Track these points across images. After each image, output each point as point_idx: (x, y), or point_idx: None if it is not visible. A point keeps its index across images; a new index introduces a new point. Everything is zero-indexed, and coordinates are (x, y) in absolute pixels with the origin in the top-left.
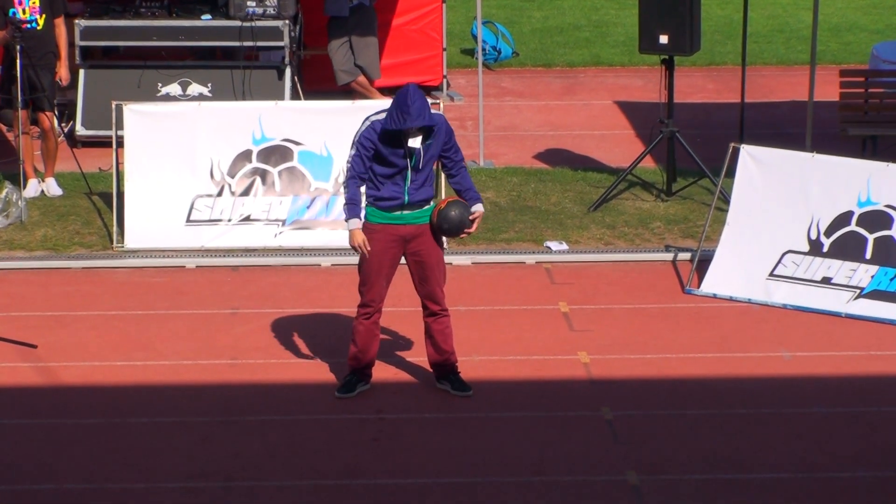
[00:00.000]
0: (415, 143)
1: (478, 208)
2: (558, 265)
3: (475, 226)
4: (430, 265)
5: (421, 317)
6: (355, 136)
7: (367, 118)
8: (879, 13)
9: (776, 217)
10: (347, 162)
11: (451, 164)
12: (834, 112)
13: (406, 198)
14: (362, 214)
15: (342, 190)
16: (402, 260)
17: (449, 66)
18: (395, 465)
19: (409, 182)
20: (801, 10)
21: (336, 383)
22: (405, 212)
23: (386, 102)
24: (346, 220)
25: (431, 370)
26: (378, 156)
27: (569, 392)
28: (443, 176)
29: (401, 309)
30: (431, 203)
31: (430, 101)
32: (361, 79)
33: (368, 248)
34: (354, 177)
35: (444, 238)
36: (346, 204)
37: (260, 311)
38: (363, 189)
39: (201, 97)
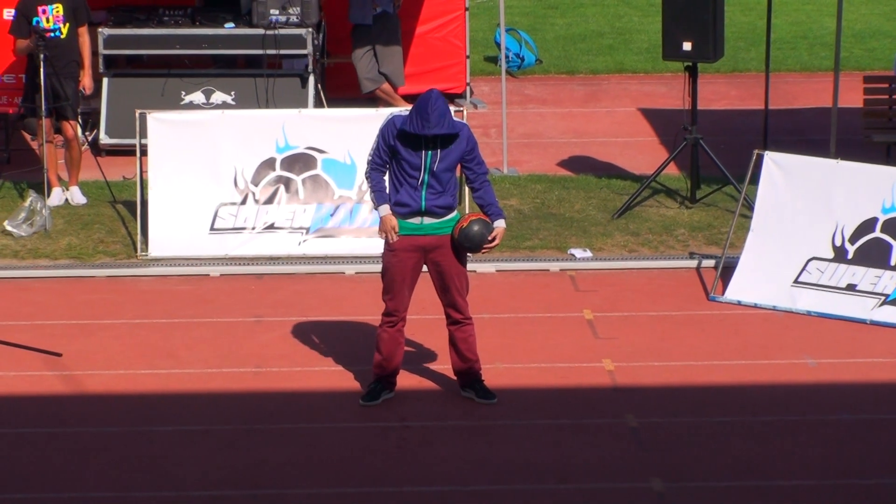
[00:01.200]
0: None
1: (499, 224)
2: (582, 272)
3: (496, 242)
4: (450, 275)
5: (445, 325)
6: (379, 129)
7: (390, 113)
8: None
9: (800, 224)
10: (369, 155)
11: (474, 177)
12: (858, 118)
13: (423, 204)
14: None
15: (366, 186)
16: (425, 268)
17: (472, 74)
18: (420, 473)
19: (425, 187)
20: (825, 16)
21: (360, 391)
22: (424, 220)
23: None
24: (376, 208)
25: (455, 378)
26: (395, 154)
27: (593, 399)
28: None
29: (425, 317)
30: (455, 213)
31: (453, 108)
32: (386, 86)
33: (397, 236)
34: (376, 167)
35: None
36: (372, 191)
37: (284, 319)
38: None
39: (225, 105)
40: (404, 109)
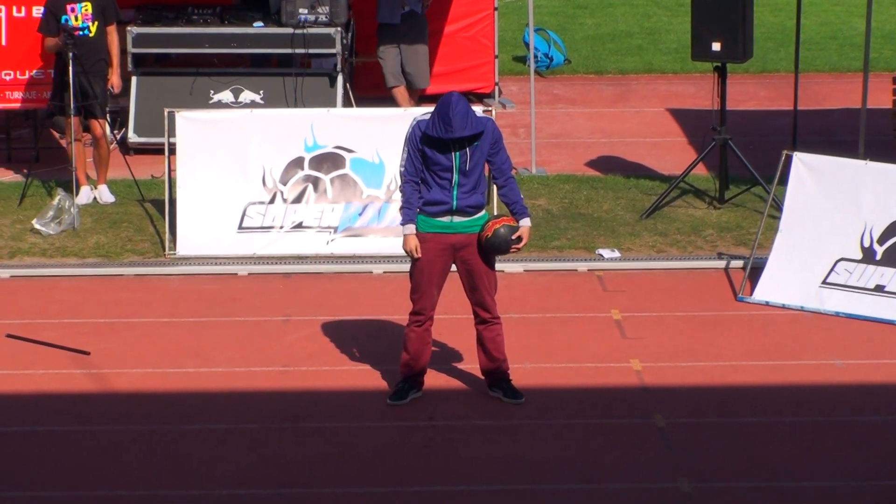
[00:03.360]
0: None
1: (524, 223)
2: (610, 273)
3: (523, 243)
4: (479, 274)
5: (472, 324)
6: (405, 138)
7: (414, 118)
8: None
9: (829, 224)
10: (401, 165)
11: (498, 173)
12: (887, 119)
13: (454, 203)
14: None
15: (398, 195)
16: (454, 267)
17: (501, 74)
18: (447, 473)
19: (457, 187)
20: (854, 17)
21: (388, 390)
22: (454, 219)
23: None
24: (402, 224)
25: (483, 378)
26: (424, 157)
27: (621, 400)
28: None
29: (452, 316)
30: (483, 212)
31: (481, 108)
32: (402, 89)
33: (419, 255)
34: (409, 180)
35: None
36: (402, 207)
37: (312, 318)
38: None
39: (253, 104)
40: (426, 112)
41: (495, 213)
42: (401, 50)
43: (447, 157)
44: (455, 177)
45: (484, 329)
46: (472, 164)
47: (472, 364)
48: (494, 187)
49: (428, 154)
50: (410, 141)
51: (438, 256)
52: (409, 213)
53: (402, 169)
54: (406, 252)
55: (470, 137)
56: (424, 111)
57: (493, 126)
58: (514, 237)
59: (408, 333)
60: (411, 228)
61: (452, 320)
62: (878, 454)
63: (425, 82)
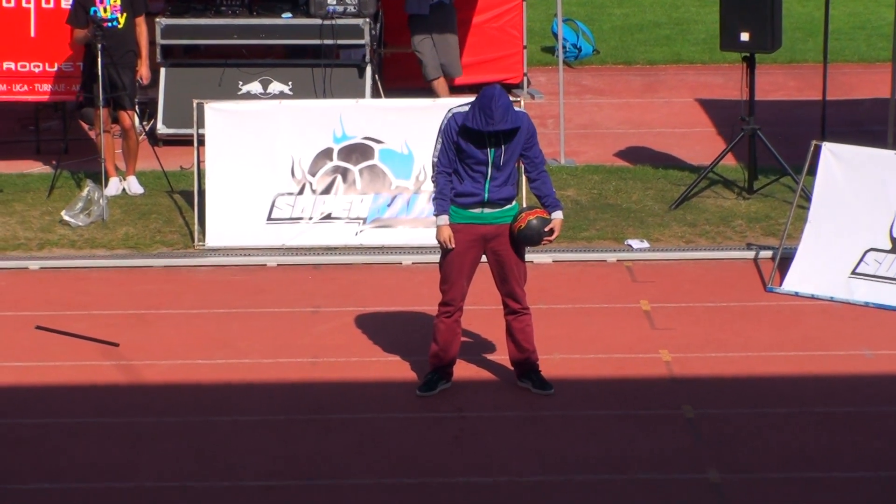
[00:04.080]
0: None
1: (556, 216)
2: (639, 263)
3: (555, 235)
4: (509, 265)
5: (501, 315)
6: (439, 129)
7: (449, 110)
8: None
9: (858, 215)
10: (434, 156)
11: (531, 168)
12: None
13: (486, 195)
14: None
15: (427, 185)
16: (484, 258)
17: (529, 64)
18: (477, 464)
19: (489, 179)
20: (883, 6)
21: (417, 381)
22: (485, 210)
23: (457, 100)
24: (435, 216)
25: (512, 368)
26: (459, 149)
27: (650, 390)
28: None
29: (482, 307)
30: (514, 203)
31: (511, 99)
32: (443, 81)
33: (452, 246)
34: (442, 171)
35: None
36: (434, 198)
37: (341, 309)
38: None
39: (282, 95)
40: (462, 105)
41: (525, 206)
42: (434, 41)
43: (482, 151)
44: (489, 170)
45: (513, 320)
46: (507, 159)
47: (501, 355)
48: (524, 178)
49: (462, 146)
50: (445, 133)
51: (469, 247)
52: (442, 203)
53: (436, 160)
54: (439, 242)
55: (507, 132)
56: (460, 103)
57: (528, 121)
58: (546, 229)
59: (437, 324)
60: (445, 219)
61: (482, 311)
62: None
63: (458, 72)
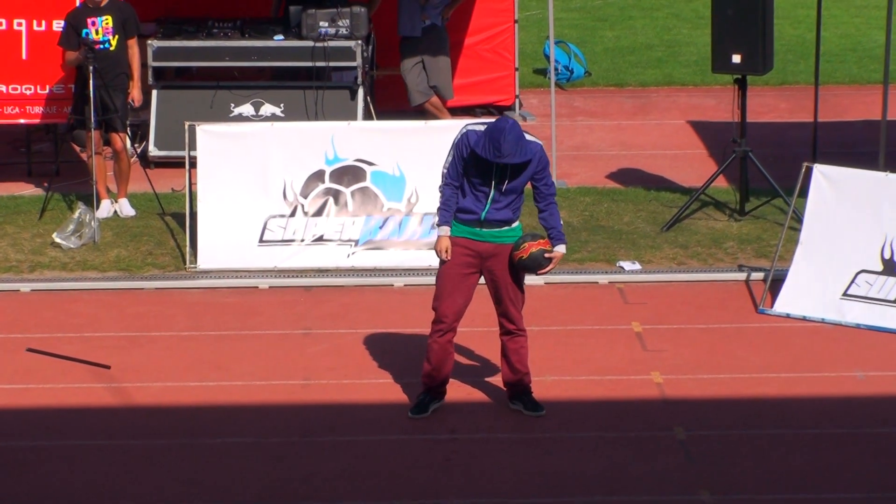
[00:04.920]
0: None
1: (559, 249)
2: (631, 285)
3: (551, 266)
4: (504, 287)
5: (496, 337)
6: (454, 141)
7: (465, 125)
8: None
9: (849, 236)
10: (444, 167)
11: (541, 197)
12: None
13: (483, 215)
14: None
15: (419, 208)
16: (482, 280)
17: (521, 86)
18: (469, 486)
19: (490, 201)
20: (874, 28)
21: (409, 403)
22: (483, 229)
23: (455, 122)
24: (437, 225)
25: (505, 389)
26: (466, 166)
27: (642, 412)
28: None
29: (476, 329)
30: (515, 225)
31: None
32: (435, 100)
33: (448, 257)
34: (449, 184)
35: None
36: (439, 208)
37: (333, 331)
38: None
39: (274, 117)
40: (478, 123)
41: (529, 232)
42: (424, 63)
43: (487, 174)
44: (491, 192)
45: (508, 340)
46: (511, 186)
47: (494, 377)
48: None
49: (470, 165)
50: (457, 147)
51: (465, 262)
52: (445, 214)
53: (445, 170)
54: (436, 252)
55: (516, 165)
56: (475, 122)
57: (540, 153)
58: (545, 257)
59: (430, 344)
60: (445, 230)
61: (476, 333)
62: None
63: (449, 94)
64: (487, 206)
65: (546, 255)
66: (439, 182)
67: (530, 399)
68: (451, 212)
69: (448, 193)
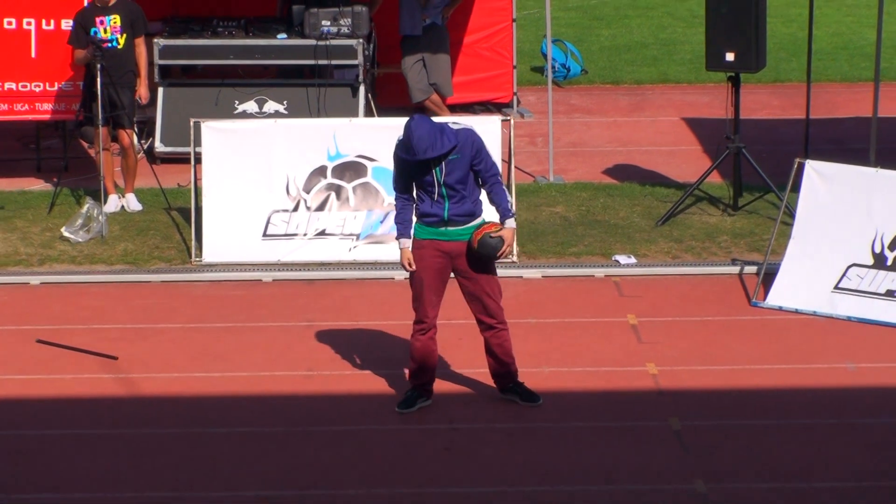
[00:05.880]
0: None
1: (508, 224)
2: (627, 278)
3: (506, 244)
4: (477, 281)
5: None
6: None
7: (398, 139)
8: None
9: (841, 231)
10: (394, 182)
11: (483, 181)
12: None
13: (445, 214)
14: (411, 232)
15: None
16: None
17: (519, 84)
18: (467, 475)
19: (446, 199)
20: (865, 27)
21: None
22: (448, 228)
23: (453, 119)
24: (397, 239)
25: (494, 382)
26: (411, 173)
27: (637, 403)
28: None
29: (471, 322)
30: (479, 220)
31: (499, 118)
32: (435, 97)
33: (413, 268)
34: (398, 197)
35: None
36: (395, 222)
37: (334, 323)
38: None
39: (277, 114)
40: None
41: (484, 220)
42: (424, 61)
43: (428, 172)
44: (441, 189)
45: (491, 336)
46: (455, 178)
47: None
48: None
49: (412, 170)
50: (395, 158)
51: (435, 262)
52: (401, 227)
53: (393, 185)
54: (402, 265)
55: (437, 157)
56: (448, 121)
57: (470, 137)
58: (496, 237)
59: (413, 343)
60: (406, 242)
61: (470, 326)
62: (891, 456)
63: (449, 91)
64: (446, 204)
65: (492, 235)
66: None
67: (525, 389)
68: (406, 224)
69: (399, 206)
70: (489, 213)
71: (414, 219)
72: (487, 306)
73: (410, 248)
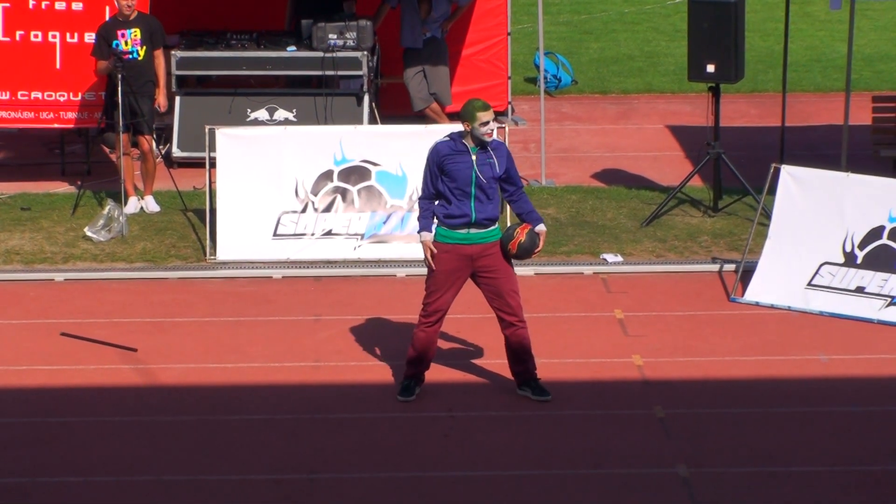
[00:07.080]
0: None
1: (540, 228)
2: (614, 275)
3: (540, 246)
4: (502, 279)
5: (490, 322)
6: (426, 159)
7: (434, 143)
8: None
9: (814, 231)
10: (423, 184)
11: (511, 190)
12: (867, 135)
13: (473, 215)
14: (433, 228)
15: (416, 196)
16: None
17: (513, 93)
18: (465, 459)
19: (474, 200)
20: (837, 41)
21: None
22: (472, 231)
23: (454, 127)
24: (419, 233)
25: (513, 377)
26: (444, 175)
27: (624, 392)
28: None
29: (471, 316)
30: (497, 225)
31: (495, 125)
32: (435, 105)
33: (434, 258)
34: (424, 197)
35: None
36: (419, 218)
37: (341, 317)
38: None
39: (287, 122)
40: (446, 132)
41: (508, 224)
42: (425, 72)
43: (465, 175)
44: (472, 190)
45: (511, 334)
46: (488, 178)
47: (488, 360)
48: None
49: (447, 171)
50: (429, 163)
51: (457, 267)
52: (423, 221)
53: (422, 186)
54: (425, 255)
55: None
56: (445, 133)
57: (504, 146)
58: (535, 237)
59: (417, 333)
60: (427, 235)
61: (471, 319)
62: (859, 442)
63: (448, 100)
64: (472, 205)
65: (535, 240)
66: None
67: (537, 385)
68: (429, 219)
69: (424, 205)
70: (509, 219)
71: (436, 221)
72: (510, 303)
73: (432, 241)
